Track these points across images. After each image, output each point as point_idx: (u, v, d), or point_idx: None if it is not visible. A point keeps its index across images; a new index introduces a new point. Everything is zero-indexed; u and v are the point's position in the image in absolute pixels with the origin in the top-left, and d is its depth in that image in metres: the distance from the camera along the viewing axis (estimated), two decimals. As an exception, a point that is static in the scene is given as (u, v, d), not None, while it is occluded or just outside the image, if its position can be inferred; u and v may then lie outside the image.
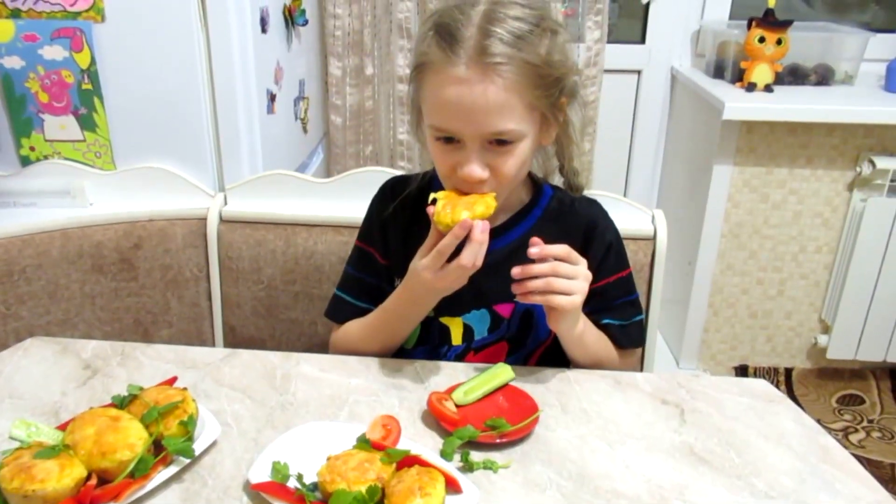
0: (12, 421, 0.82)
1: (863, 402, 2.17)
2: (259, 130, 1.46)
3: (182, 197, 1.37)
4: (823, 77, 2.07)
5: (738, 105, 1.88)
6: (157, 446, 0.80)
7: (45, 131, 1.37)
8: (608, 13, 2.05)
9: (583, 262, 0.92)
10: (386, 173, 1.23)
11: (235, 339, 1.39)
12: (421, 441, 0.85)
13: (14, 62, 1.31)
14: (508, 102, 0.86)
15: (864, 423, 2.07)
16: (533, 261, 0.89)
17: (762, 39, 1.95)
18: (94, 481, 0.75)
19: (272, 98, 1.54)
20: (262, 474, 0.78)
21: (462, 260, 0.87)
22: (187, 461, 0.80)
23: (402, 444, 0.82)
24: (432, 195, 0.91)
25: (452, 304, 0.99)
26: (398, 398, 0.94)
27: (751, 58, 1.97)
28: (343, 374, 0.99)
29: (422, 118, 0.95)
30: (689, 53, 2.25)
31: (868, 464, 1.90)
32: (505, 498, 0.78)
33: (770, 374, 2.25)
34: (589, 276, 0.92)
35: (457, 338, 1.06)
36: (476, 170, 0.88)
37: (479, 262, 0.88)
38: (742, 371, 2.26)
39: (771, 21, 1.93)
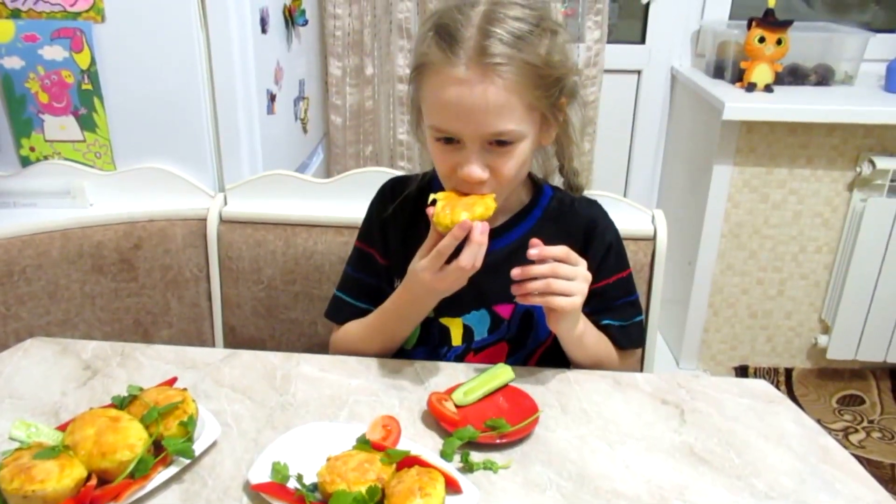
0: (12, 421, 0.82)
1: (863, 402, 2.17)
2: (259, 130, 1.46)
3: (182, 197, 1.37)
4: (823, 77, 2.07)
5: (738, 105, 1.88)
6: (157, 447, 0.80)
7: (45, 131, 1.37)
8: (608, 13, 2.05)
9: (582, 263, 0.92)
10: (386, 173, 1.23)
11: (235, 340, 1.39)
12: (421, 441, 0.85)
13: (14, 62, 1.31)
14: (508, 103, 0.86)
15: (865, 424, 2.07)
16: (532, 262, 0.89)
17: (762, 39, 1.95)
18: (93, 482, 0.75)
19: (272, 98, 1.54)
20: (262, 475, 0.78)
21: (461, 261, 0.87)
22: (187, 462, 0.80)
23: (402, 445, 0.82)
24: (432, 196, 0.91)
25: (452, 304, 0.99)
26: (398, 398, 0.94)
27: (751, 58, 1.97)
28: (343, 374, 0.99)
29: (422, 118, 0.95)
30: (689, 53, 2.25)
31: (868, 464, 1.90)
32: (505, 498, 0.78)
33: (770, 374, 2.25)
34: (588, 277, 0.92)
35: (457, 338, 1.06)
36: (476, 170, 0.88)
37: (479, 264, 0.88)
38: (742, 371, 2.26)
39: (771, 21, 1.93)
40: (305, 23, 1.75)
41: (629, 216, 1.24)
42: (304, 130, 1.87)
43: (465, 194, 0.91)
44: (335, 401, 0.94)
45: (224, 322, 1.38)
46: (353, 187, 1.30)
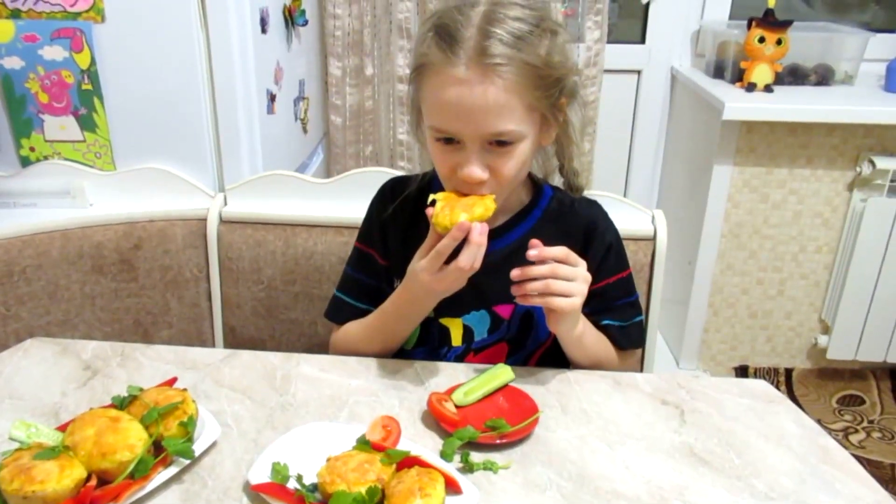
0: (12, 422, 0.82)
1: (863, 402, 2.17)
2: (259, 131, 1.46)
3: (182, 197, 1.37)
4: (823, 77, 2.07)
5: (738, 105, 1.88)
6: (157, 447, 0.80)
7: (45, 132, 1.37)
8: (608, 13, 2.05)
9: (582, 264, 0.92)
10: (386, 174, 1.23)
11: (235, 340, 1.39)
12: (421, 442, 0.85)
13: (14, 62, 1.31)
14: (508, 103, 0.86)
15: (865, 424, 2.07)
16: (532, 262, 0.89)
17: (762, 39, 1.95)
18: (93, 482, 0.75)
19: (272, 98, 1.54)
20: (261, 475, 0.78)
21: (460, 262, 0.87)
22: (187, 462, 0.80)
23: (402, 445, 0.82)
24: (431, 196, 0.91)
25: (452, 304, 0.99)
26: (398, 399, 0.94)
27: (751, 58, 1.97)
28: (343, 374, 0.99)
29: (422, 119, 0.95)
30: (689, 53, 2.25)
31: (868, 464, 1.90)
32: (505, 499, 0.78)
33: (770, 374, 2.25)
34: (588, 277, 0.92)
35: (457, 339, 1.06)
36: (476, 171, 0.88)
37: (478, 265, 0.88)
38: (742, 371, 2.26)
39: (771, 21, 1.93)
40: (305, 23, 1.75)
41: (629, 216, 1.24)
42: (304, 130, 1.87)
43: (465, 195, 0.91)
44: (335, 401, 0.94)
45: (224, 322, 1.38)
46: (353, 187, 1.30)
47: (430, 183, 1.05)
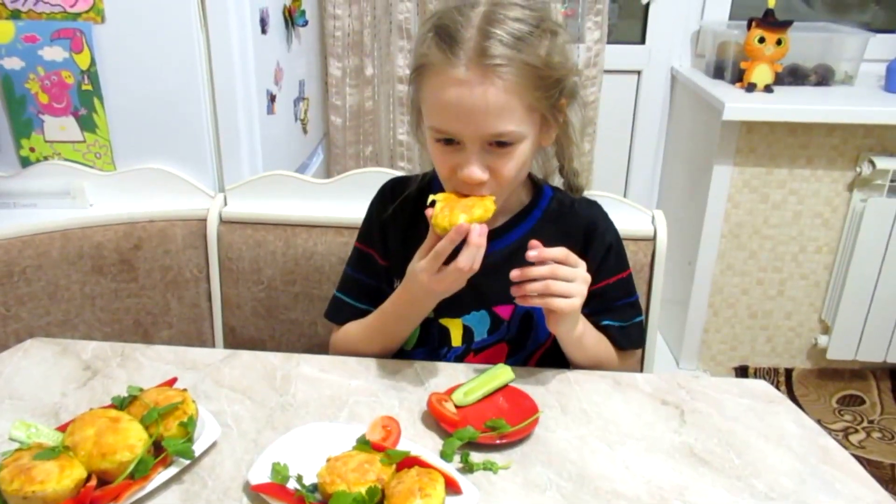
0: (12, 422, 0.82)
1: (863, 402, 2.17)
2: (259, 131, 1.46)
3: (182, 198, 1.37)
4: (823, 77, 2.07)
5: (738, 105, 1.88)
6: (157, 447, 0.80)
7: (45, 132, 1.37)
8: (608, 13, 2.05)
9: (581, 265, 0.92)
10: (386, 174, 1.23)
11: (235, 340, 1.39)
12: (421, 442, 0.85)
13: (14, 63, 1.32)
14: (508, 104, 0.86)
15: (865, 424, 2.07)
16: (532, 263, 0.89)
17: (762, 40, 1.95)
18: (93, 482, 0.75)
19: (272, 99, 1.54)
20: (261, 475, 0.78)
21: (459, 263, 0.87)
22: (187, 462, 0.80)
23: (402, 445, 0.82)
24: (431, 197, 0.90)
25: (452, 305, 0.99)
26: (398, 399, 0.94)
27: (751, 58, 1.97)
28: (343, 375, 0.99)
29: (422, 119, 0.95)
30: (689, 54, 2.25)
31: (868, 464, 1.90)
32: (505, 499, 0.78)
33: (770, 374, 2.25)
34: (588, 278, 0.92)
35: (456, 339, 1.06)
36: (476, 171, 0.88)
37: (477, 266, 0.88)
38: (742, 371, 2.26)
39: (771, 21, 1.93)
40: (305, 23, 1.75)
41: (629, 216, 1.24)
42: (304, 131, 1.87)
43: (465, 196, 0.91)
44: (335, 401, 0.94)
45: (224, 322, 1.38)
46: (353, 188, 1.30)
47: (430, 183, 1.05)
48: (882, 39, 2.11)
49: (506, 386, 0.94)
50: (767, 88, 1.97)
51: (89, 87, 1.34)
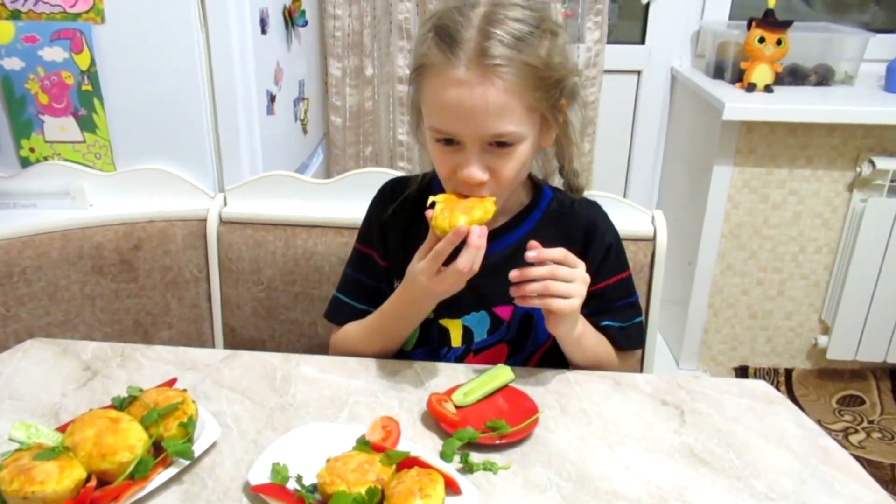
0: (12, 422, 0.82)
1: (863, 402, 2.17)
2: (259, 131, 1.46)
3: (182, 198, 1.37)
4: (823, 77, 2.07)
5: (738, 105, 1.88)
6: (157, 448, 0.80)
7: (44, 132, 1.37)
8: (608, 14, 2.05)
9: (581, 266, 0.92)
10: (386, 174, 1.23)
11: (235, 341, 1.39)
12: (421, 442, 0.85)
13: (14, 63, 1.32)
14: (508, 104, 0.86)
15: (865, 424, 2.07)
16: (531, 264, 0.89)
17: (762, 40, 1.95)
18: (93, 483, 0.75)
19: (272, 99, 1.54)
20: (261, 476, 0.78)
21: (459, 265, 0.87)
22: (187, 463, 0.80)
23: (402, 446, 0.82)
24: (431, 198, 0.90)
25: (452, 305, 0.99)
26: (398, 399, 0.94)
27: (751, 58, 1.97)
28: (343, 375, 0.99)
29: (421, 119, 0.95)
30: (688, 54, 2.25)
31: (868, 464, 1.90)
32: (505, 499, 0.78)
33: (770, 374, 2.25)
34: (587, 279, 0.92)
35: (456, 340, 1.06)
36: (476, 172, 0.88)
37: (477, 267, 0.88)
38: (742, 372, 2.26)
39: (771, 21, 1.93)
40: (305, 23, 1.75)
41: (629, 217, 1.24)
42: (304, 131, 1.87)
43: (466, 196, 0.91)
44: (335, 402, 0.94)
45: (224, 323, 1.38)
46: (353, 188, 1.30)
47: (430, 183, 1.05)
48: (882, 39, 2.11)
49: (506, 386, 0.94)
50: (767, 88, 1.97)
51: (89, 88, 1.34)
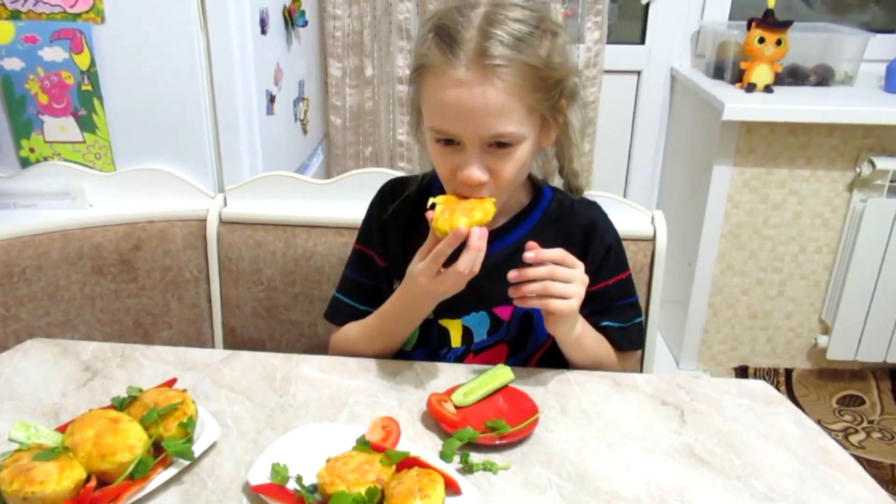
0: (12, 423, 0.82)
1: (863, 402, 2.17)
2: (259, 131, 1.46)
3: (182, 198, 1.37)
4: (823, 77, 2.07)
5: (738, 106, 1.88)
6: (157, 448, 0.80)
7: (44, 133, 1.37)
8: (608, 14, 2.05)
9: (579, 266, 0.92)
10: (386, 174, 1.23)
11: (235, 341, 1.39)
12: (420, 442, 0.85)
13: (14, 63, 1.32)
14: (508, 105, 0.86)
15: (865, 424, 2.07)
16: (530, 265, 0.89)
17: (762, 40, 1.95)
18: (93, 483, 0.75)
19: (272, 99, 1.54)
20: (261, 476, 0.78)
21: (459, 266, 0.87)
22: (187, 463, 0.80)
23: (402, 446, 0.82)
24: (431, 200, 0.90)
25: (452, 306, 0.99)
26: (398, 400, 0.94)
27: (750, 58, 1.97)
28: (343, 375, 0.99)
29: (421, 120, 0.95)
30: (688, 54, 2.25)
31: (868, 465, 1.90)
32: (505, 499, 0.78)
33: (770, 374, 2.25)
34: (586, 279, 0.92)
35: (456, 340, 1.06)
36: (475, 172, 0.88)
37: (477, 269, 0.88)
38: (742, 372, 2.26)
39: (771, 22, 1.93)
40: (305, 24, 1.75)
41: (629, 217, 1.24)
42: (304, 131, 1.87)
43: (466, 198, 0.90)
44: (335, 402, 0.94)
45: (224, 323, 1.38)
46: (353, 188, 1.30)
47: (430, 184, 1.05)
48: (882, 39, 2.11)
49: (505, 386, 0.94)
50: (767, 89, 1.97)
51: (89, 88, 1.34)
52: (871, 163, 1.94)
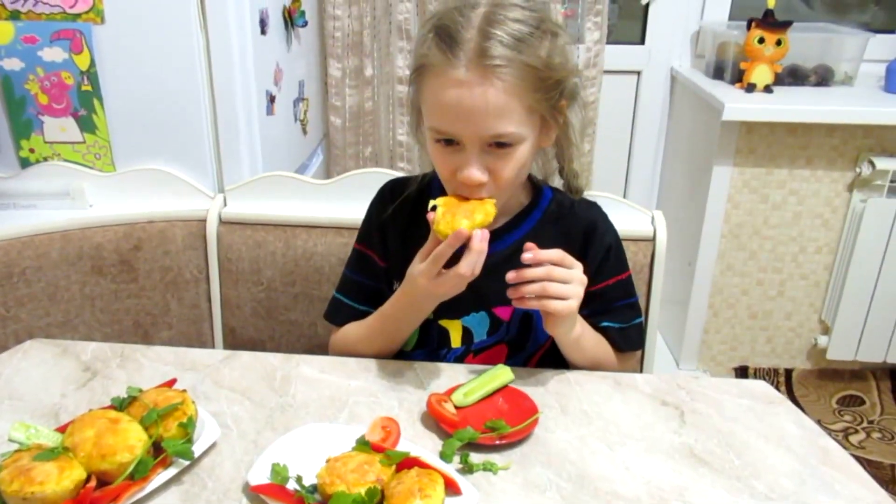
0: (12, 423, 0.82)
1: (863, 402, 2.17)
2: (258, 132, 1.46)
3: (182, 198, 1.37)
4: (823, 78, 2.07)
5: (738, 106, 1.88)
6: (157, 448, 0.80)
7: (44, 133, 1.37)
8: (608, 14, 2.05)
9: (578, 267, 0.92)
10: (385, 174, 1.23)
11: (235, 341, 1.39)
12: (420, 443, 0.85)
13: (14, 64, 1.32)
14: (508, 105, 0.86)
15: (865, 424, 2.07)
16: (529, 265, 0.89)
17: (762, 40, 1.95)
18: (93, 483, 0.75)
19: (272, 99, 1.54)
20: (261, 476, 0.78)
21: (460, 269, 0.87)
22: (187, 463, 0.80)
23: (402, 446, 0.82)
24: (432, 202, 0.90)
25: (452, 306, 0.99)
26: (398, 400, 0.94)
27: (750, 58, 1.97)
28: (343, 375, 0.99)
29: (421, 120, 0.95)
30: (688, 54, 2.25)
31: (868, 465, 1.90)
32: (504, 499, 0.78)
33: (770, 374, 2.25)
34: (584, 280, 0.92)
35: (456, 340, 1.06)
36: (475, 173, 0.88)
37: (478, 271, 0.87)
38: (742, 372, 2.26)
39: (770, 22, 1.94)
40: (305, 24, 1.75)
41: (629, 217, 1.24)
42: (304, 132, 1.87)
43: (466, 199, 0.90)
44: (335, 402, 0.94)
45: (224, 323, 1.38)
46: (353, 188, 1.30)
47: (430, 184, 1.05)
48: (882, 40, 2.11)
49: (505, 387, 0.94)
50: (767, 89, 1.97)
51: (89, 88, 1.34)
52: (871, 163, 1.94)
